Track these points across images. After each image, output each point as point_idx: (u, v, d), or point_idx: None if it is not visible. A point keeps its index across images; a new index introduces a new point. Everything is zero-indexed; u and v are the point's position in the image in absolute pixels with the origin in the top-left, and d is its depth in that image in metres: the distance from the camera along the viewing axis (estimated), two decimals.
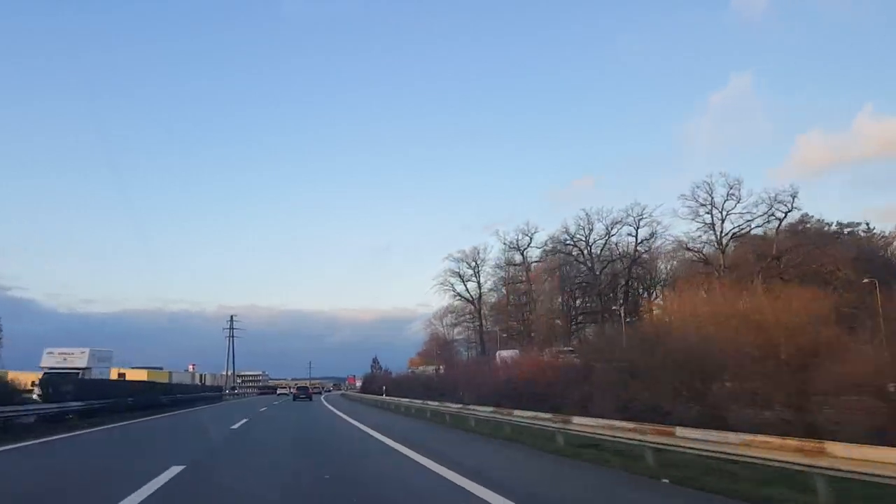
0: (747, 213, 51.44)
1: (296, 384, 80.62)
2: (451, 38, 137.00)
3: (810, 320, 10.38)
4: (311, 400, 57.90)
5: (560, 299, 69.35)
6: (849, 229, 54.66)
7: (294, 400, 57.28)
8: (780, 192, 49.89)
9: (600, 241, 65.17)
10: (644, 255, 63.39)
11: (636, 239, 63.23)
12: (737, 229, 52.89)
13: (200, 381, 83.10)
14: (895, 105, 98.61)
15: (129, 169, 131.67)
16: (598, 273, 64.52)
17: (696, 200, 52.71)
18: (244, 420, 23.00)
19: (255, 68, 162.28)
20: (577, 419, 11.58)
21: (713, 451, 7.84)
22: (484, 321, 77.13)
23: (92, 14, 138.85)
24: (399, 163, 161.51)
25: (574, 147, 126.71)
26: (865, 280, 35.59)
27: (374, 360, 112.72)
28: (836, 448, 6.10)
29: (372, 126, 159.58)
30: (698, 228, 53.97)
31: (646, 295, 64.73)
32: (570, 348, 35.71)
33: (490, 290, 78.01)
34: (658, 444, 8.99)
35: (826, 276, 45.03)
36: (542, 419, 13.24)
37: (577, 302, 70.32)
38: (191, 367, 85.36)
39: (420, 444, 13.40)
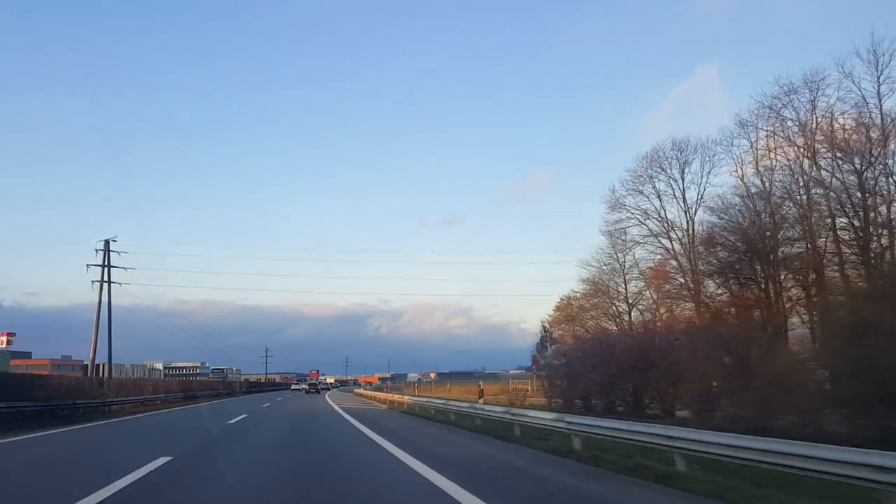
0: None
1: (308, 381, 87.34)
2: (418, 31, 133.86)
3: None
4: (318, 393, 65.17)
5: None
6: None
7: (306, 393, 64.68)
8: None
9: None
10: None
11: None
12: None
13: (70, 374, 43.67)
14: None
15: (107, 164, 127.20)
16: None
17: None
18: None
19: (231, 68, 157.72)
20: None
21: None
22: None
23: (87, 14, 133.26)
24: (355, 160, 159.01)
25: (531, 141, 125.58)
26: None
27: None
28: None
29: (333, 122, 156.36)
30: None
31: None
32: None
33: None
34: None
35: None
36: None
37: None
38: (2, 338, 52.08)
39: None
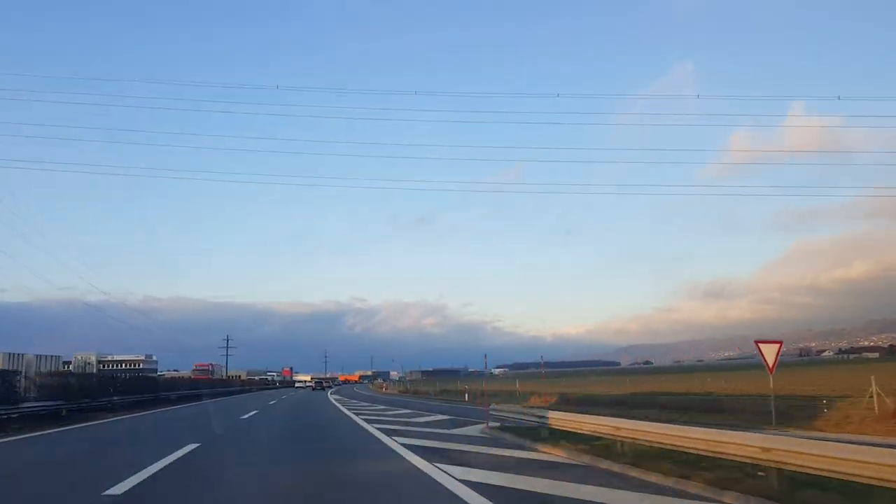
0: None
1: (313, 379, 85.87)
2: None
3: None
4: (324, 390, 64.33)
5: None
6: None
7: (312, 391, 63.12)
8: None
9: None
10: None
11: None
12: None
13: None
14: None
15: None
16: None
17: None
18: None
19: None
20: None
21: None
22: None
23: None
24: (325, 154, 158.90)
25: (505, 138, 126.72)
26: None
27: None
28: None
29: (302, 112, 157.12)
30: None
31: None
32: None
33: None
34: None
35: None
36: None
37: None
38: None
39: None
